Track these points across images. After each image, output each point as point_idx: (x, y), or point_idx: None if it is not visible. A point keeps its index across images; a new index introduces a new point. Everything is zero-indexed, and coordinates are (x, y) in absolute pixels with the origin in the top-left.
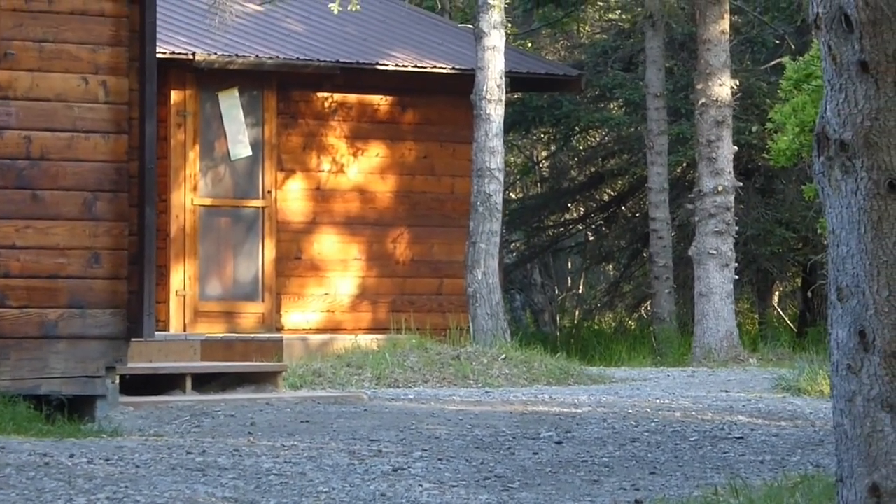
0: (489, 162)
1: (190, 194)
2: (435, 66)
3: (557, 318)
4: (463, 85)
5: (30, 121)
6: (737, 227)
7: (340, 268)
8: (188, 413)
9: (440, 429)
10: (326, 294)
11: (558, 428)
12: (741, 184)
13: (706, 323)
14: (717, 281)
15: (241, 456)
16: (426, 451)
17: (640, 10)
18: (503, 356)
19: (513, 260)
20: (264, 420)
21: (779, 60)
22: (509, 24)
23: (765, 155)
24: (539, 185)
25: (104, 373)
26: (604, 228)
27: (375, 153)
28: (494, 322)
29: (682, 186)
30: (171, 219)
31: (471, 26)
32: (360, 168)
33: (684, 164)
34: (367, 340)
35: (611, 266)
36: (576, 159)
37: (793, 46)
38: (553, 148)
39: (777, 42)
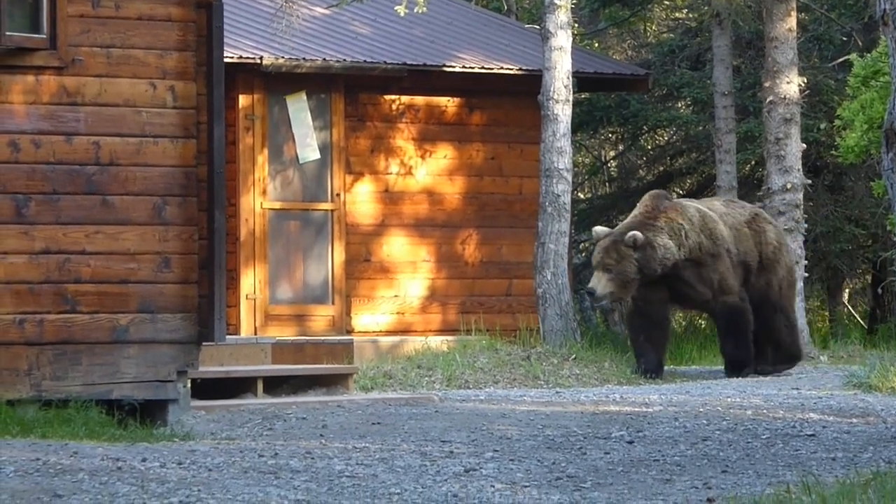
0: (557, 162)
1: (259, 198)
2: (502, 68)
3: None
4: (530, 86)
5: (98, 126)
6: (806, 225)
7: (410, 270)
8: (260, 416)
9: (511, 429)
10: (396, 296)
11: (630, 427)
12: (810, 181)
13: None
14: None
15: (312, 458)
16: (497, 451)
17: (706, 8)
18: (573, 356)
19: (582, 260)
20: (336, 422)
21: (846, 57)
22: (576, 25)
23: (833, 152)
24: (607, 184)
25: (175, 377)
26: None
27: (443, 155)
28: (564, 322)
29: (751, 184)
30: (241, 223)
31: (537, 27)
32: (429, 170)
33: (753, 163)
34: (438, 342)
35: None
36: (644, 159)
37: (860, 43)
38: (621, 147)
39: (844, 39)
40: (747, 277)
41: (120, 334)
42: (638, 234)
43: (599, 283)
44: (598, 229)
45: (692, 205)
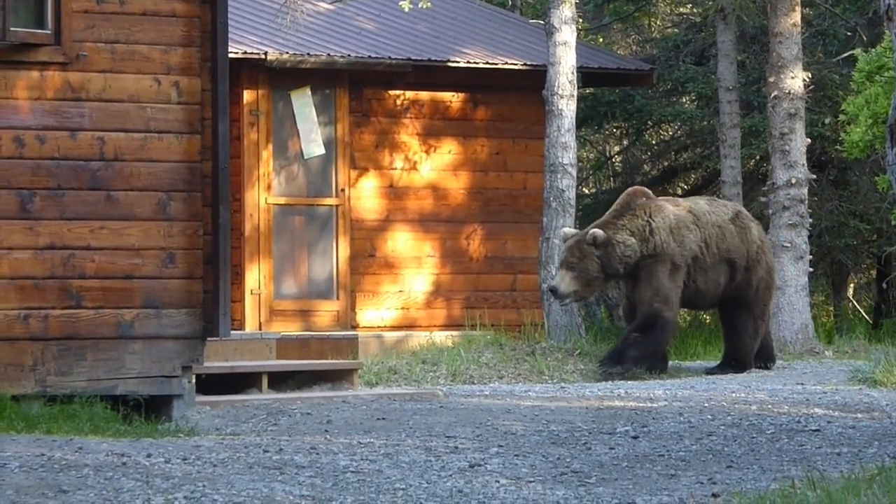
0: (562, 157)
1: (264, 193)
2: (506, 63)
3: None
4: (535, 81)
5: (103, 122)
6: (810, 220)
7: (414, 265)
8: (265, 411)
9: (516, 425)
10: (401, 291)
11: (634, 422)
12: (814, 176)
13: (781, 316)
14: (791, 274)
15: (317, 454)
16: (502, 447)
17: (711, 3)
18: (578, 351)
19: None
20: (340, 418)
21: (851, 52)
22: (580, 20)
23: (838, 147)
24: (612, 179)
25: (180, 372)
26: None
27: (448, 150)
28: (569, 317)
29: (756, 179)
30: (245, 218)
31: (542, 22)
32: (433, 165)
33: (757, 157)
34: (442, 337)
35: None
36: (648, 154)
37: (865, 38)
38: (626, 143)
39: (849, 34)
40: (733, 275)
41: (125, 330)
42: (598, 231)
43: (563, 281)
44: (566, 230)
45: (671, 206)
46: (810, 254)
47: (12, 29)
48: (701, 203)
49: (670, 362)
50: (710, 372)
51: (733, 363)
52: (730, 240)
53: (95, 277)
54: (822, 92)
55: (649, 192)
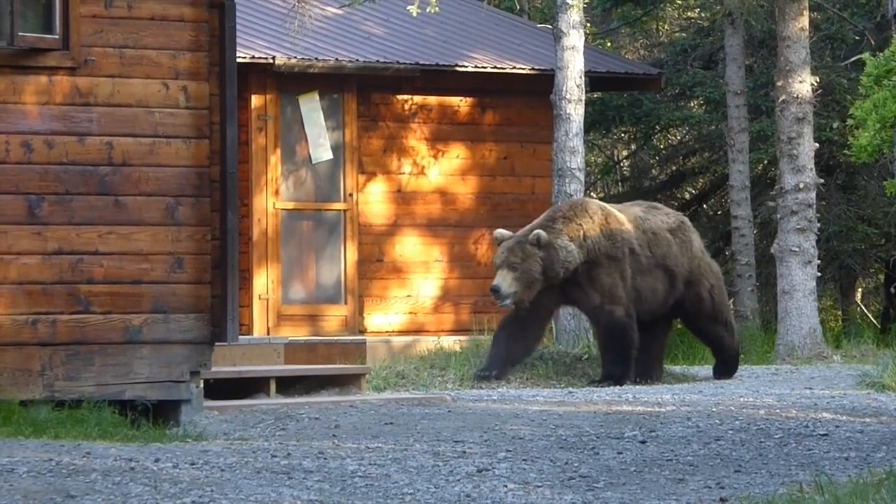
0: (570, 162)
1: (272, 198)
2: (514, 67)
3: None
4: (543, 85)
5: (111, 127)
6: (819, 224)
7: (422, 270)
8: (272, 416)
9: (524, 429)
10: (409, 296)
11: (642, 427)
12: (822, 180)
13: (789, 320)
14: (799, 278)
15: (325, 458)
16: (510, 451)
17: (719, 7)
18: (586, 356)
19: None
20: (348, 422)
21: (859, 56)
22: (588, 24)
23: (846, 151)
24: (620, 184)
25: (188, 377)
26: None
27: (456, 155)
28: (577, 322)
29: (764, 184)
30: (254, 223)
31: (550, 26)
32: (441, 170)
33: (765, 162)
34: (450, 342)
35: None
36: (657, 158)
37: (873, 42)
38: (634, 147)
39: (857, 38)
40: (672, 285)
41: (133, 335)
42: (542, 232)
43: (504, 281)
44: (501, 231)
45: (598, 203)
46: (818, 258)
47: (21, 34)
48: (635, 209)
49: (677, 367)
50: (717, 376)
51: (728, 365)
52: (665, 247)
53: (103, 282)
54: (830, 96)
55: (587, 199)
